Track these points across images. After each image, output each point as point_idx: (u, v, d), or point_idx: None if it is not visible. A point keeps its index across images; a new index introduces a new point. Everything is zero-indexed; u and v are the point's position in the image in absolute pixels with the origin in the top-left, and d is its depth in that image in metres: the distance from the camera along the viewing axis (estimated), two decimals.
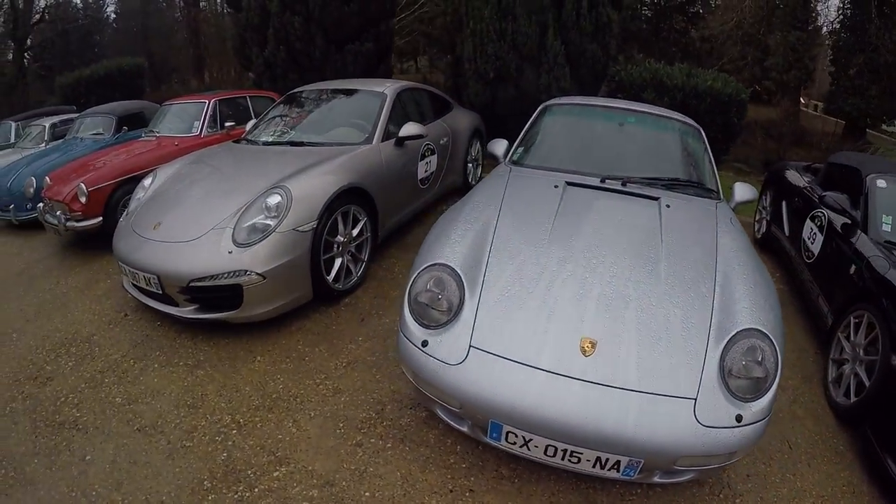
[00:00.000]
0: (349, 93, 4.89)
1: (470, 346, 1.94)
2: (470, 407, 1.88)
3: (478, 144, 6.44)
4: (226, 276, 2.92)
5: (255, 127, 4.97)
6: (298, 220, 3.16)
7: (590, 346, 1.86)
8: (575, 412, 1.72)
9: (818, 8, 17.44)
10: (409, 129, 4.26)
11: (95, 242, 5.42)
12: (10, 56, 18.87)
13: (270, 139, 4.46)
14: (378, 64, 9.02)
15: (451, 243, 2.32)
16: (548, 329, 1.93)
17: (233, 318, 3.11)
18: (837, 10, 15.96)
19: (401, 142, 4.36)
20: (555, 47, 7.30)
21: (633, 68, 8.55)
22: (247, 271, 2.92)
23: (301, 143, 4.18)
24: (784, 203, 4.89)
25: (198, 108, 6.24)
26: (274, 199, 3.14)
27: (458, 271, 2.14)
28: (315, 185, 3.36)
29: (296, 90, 5.23)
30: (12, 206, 6.30)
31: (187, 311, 3.16)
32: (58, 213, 5.09)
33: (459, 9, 7.68)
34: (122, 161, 5.37)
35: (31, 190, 6.24)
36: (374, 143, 4.14)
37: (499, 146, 3.70)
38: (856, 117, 14.59)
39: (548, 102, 4.10)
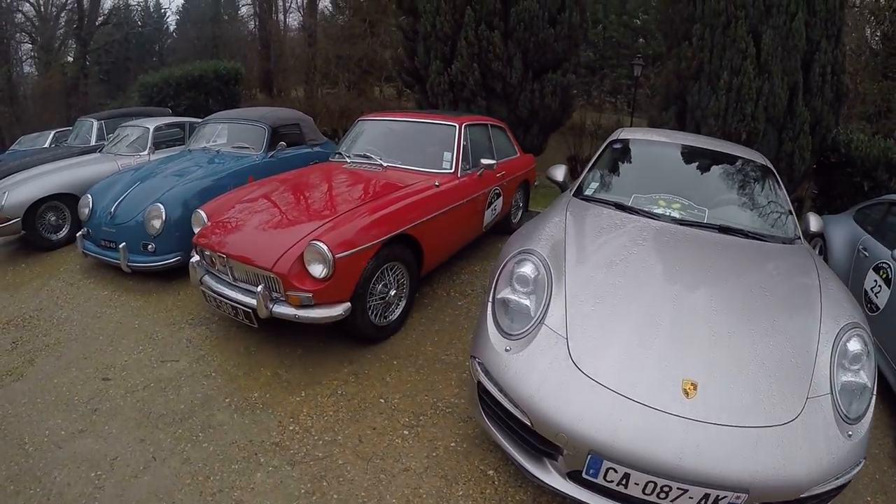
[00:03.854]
0: (717, 157, 3.18)
1: None
2: None
3: None
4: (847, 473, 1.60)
5: (591, 181, 3.04)
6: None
7: None
8: None
9: None
10: (818, 221, 2.88)
11: (315, 334, 2.88)
12: (70, 57, 16.54)
13: (677, 214, 2.68)
14: (571, 100, 6.83)
15: None
16: None
17: None
18: None
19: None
20: (803, 113, 5.74)
21: (862, 140, 6.62)
22: (860, 461, 1.65)
23: (742, 233, 2.57)
24: None
25: (443, 134, 3.82)
26: (857, 346, 1.84)
27: None
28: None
29: (630, 136, 3.45)
30: (123, 244, 3.69)
31: None
32: (258, 288, 2.53)
33: (700, 55, 5.63)
34: (380, 210, 2.85)
35: (159, 224, 3.71)
36: (803, 241, 2.72)
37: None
38: None
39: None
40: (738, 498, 1.47)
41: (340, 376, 2.63)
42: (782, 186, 3.01)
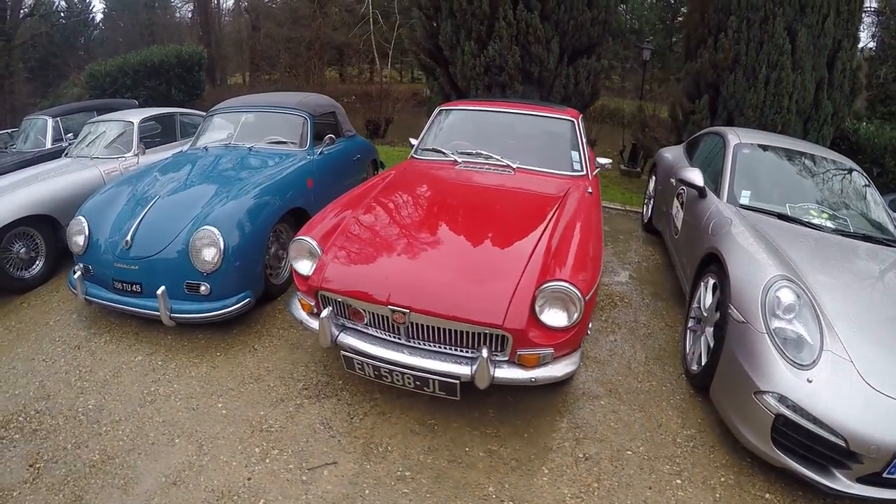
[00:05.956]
0: (825, 162, 3.19)
1: None
2: None
3: None
4: None
5: (741, 189, 2.89)
6: None
7: None
8: None
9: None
10: None
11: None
12: None
13: (831, 224, 2.69)
14: (598, 85, 6.24)
15: None
16: None
17: None
18: (872, 37, 16.03)
19: None
20: (827, 106, 5.77)
21: (870, 129, 6.75)
22: None
23: (877, 241, 2.61)
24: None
25: (559, 129, 3.11)
26: None
27: None
28: None
29: (751, 140, 3.29)
30: (162, 288, 2.47)
31: None
32: (483, 353, 1.58)
33: (736, 48, 5.51)
34: (573, 229, 2.11)
35: (213, 254, 2.57)
36: None
37: None
38: None
39: None
40: None
41: (565, 434, 1.94)
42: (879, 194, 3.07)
